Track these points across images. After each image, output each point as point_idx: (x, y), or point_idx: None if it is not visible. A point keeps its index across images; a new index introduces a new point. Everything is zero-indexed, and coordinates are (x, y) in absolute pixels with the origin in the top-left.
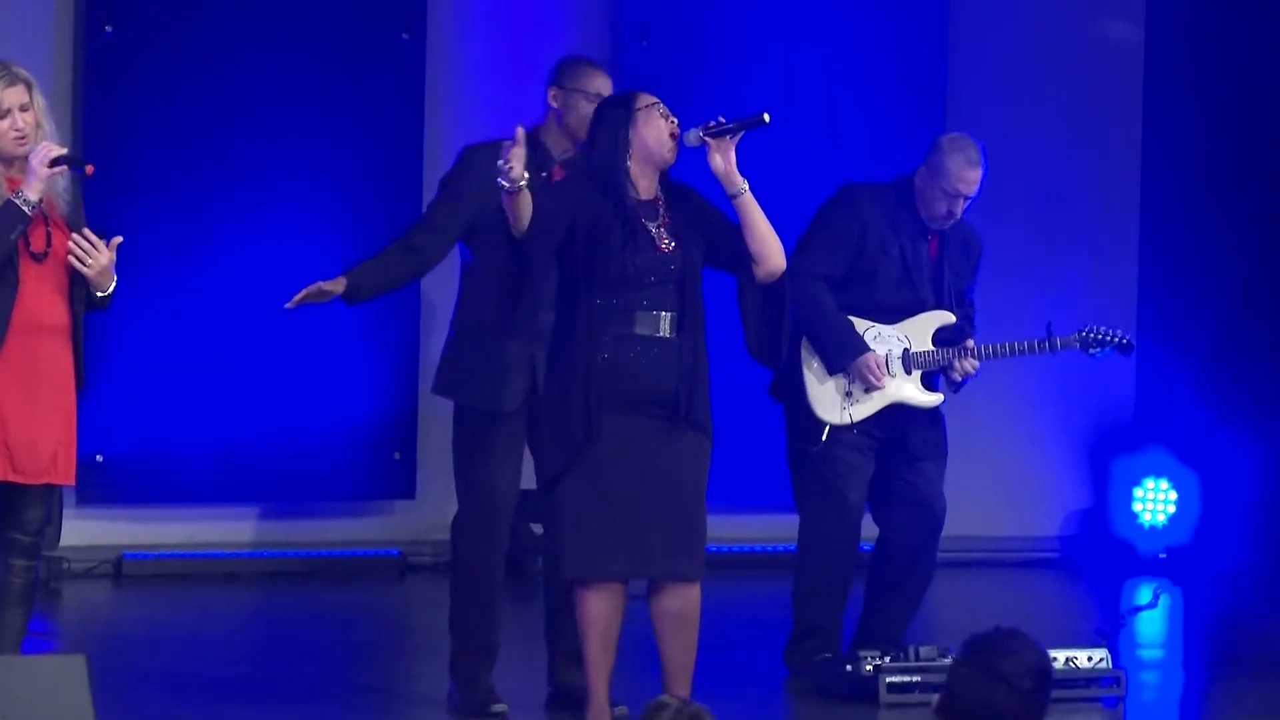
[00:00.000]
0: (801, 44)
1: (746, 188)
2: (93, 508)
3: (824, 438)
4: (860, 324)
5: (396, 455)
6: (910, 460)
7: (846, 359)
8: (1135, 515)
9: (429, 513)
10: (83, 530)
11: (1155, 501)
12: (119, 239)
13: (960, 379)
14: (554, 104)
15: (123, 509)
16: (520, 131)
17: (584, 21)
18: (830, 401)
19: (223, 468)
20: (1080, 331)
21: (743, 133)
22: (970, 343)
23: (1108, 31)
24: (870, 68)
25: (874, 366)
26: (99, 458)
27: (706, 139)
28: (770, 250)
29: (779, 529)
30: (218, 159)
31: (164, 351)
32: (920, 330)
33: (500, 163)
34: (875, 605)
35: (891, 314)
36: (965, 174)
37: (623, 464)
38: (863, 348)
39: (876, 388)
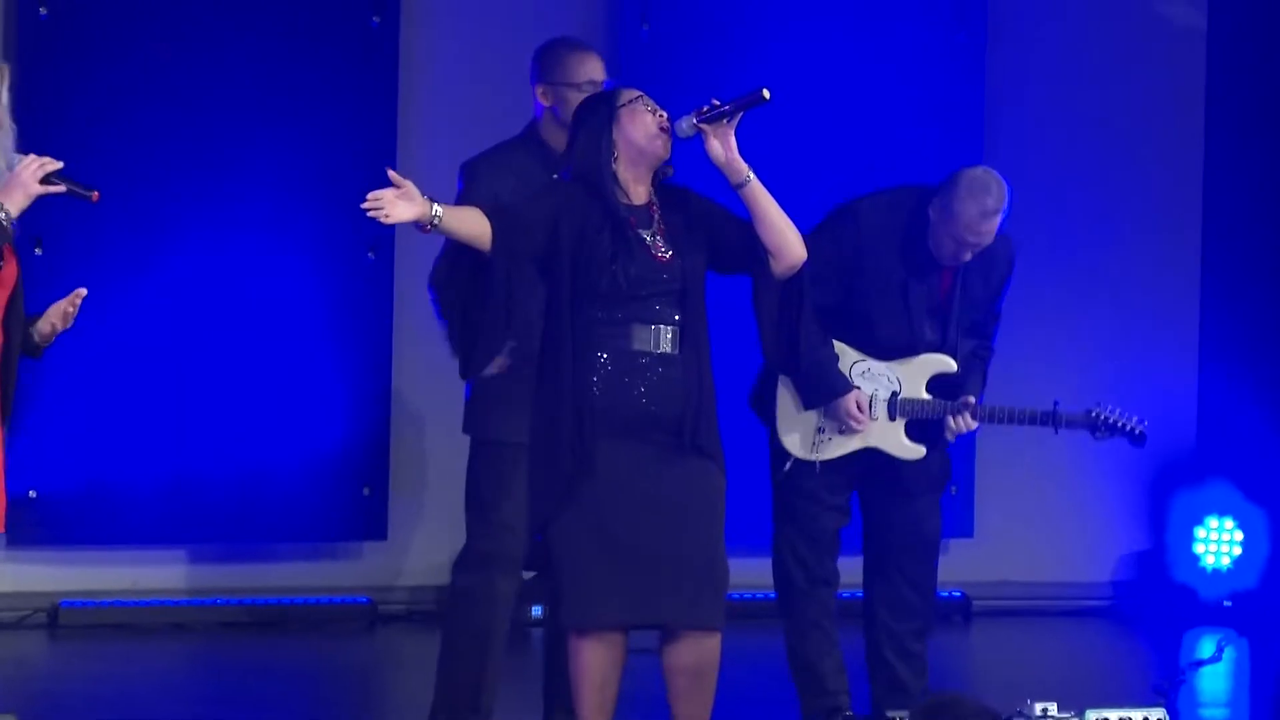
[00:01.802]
0: (820, 29)
1: (752, 175)
2: (26, 550)
3: (786, 469)
4: (849, 354)
5: (366, 491)
6: (904, 496)
7: (823, 399)
8: (1197, 558)
9: (402, 556)
10: (14, 575)
11: (1219, 542)
12: (83, 291)
13: (953, 439)
14: (544, 101)
15: (59, 551)
16: (394, 174)
17: (577, 3)
18: (799, 435)
19: (171, 505)
20: (1089, 412)
21: (741, 114)
22: (970, 400)
23: (1167, 16)
24: (898, 55)
25: (854, 410)
26: (32, 494)
27: (701, 125)
28: (787, 240)
29: None
30: (167, 157)
31: (105, 375)
32: (915, 374)
33: (365, 208)
34: (879, 654)
35: (886, 350)
36: (978, 226)
37: (622, 497)
38: (844, 387)
39: (855, 431)
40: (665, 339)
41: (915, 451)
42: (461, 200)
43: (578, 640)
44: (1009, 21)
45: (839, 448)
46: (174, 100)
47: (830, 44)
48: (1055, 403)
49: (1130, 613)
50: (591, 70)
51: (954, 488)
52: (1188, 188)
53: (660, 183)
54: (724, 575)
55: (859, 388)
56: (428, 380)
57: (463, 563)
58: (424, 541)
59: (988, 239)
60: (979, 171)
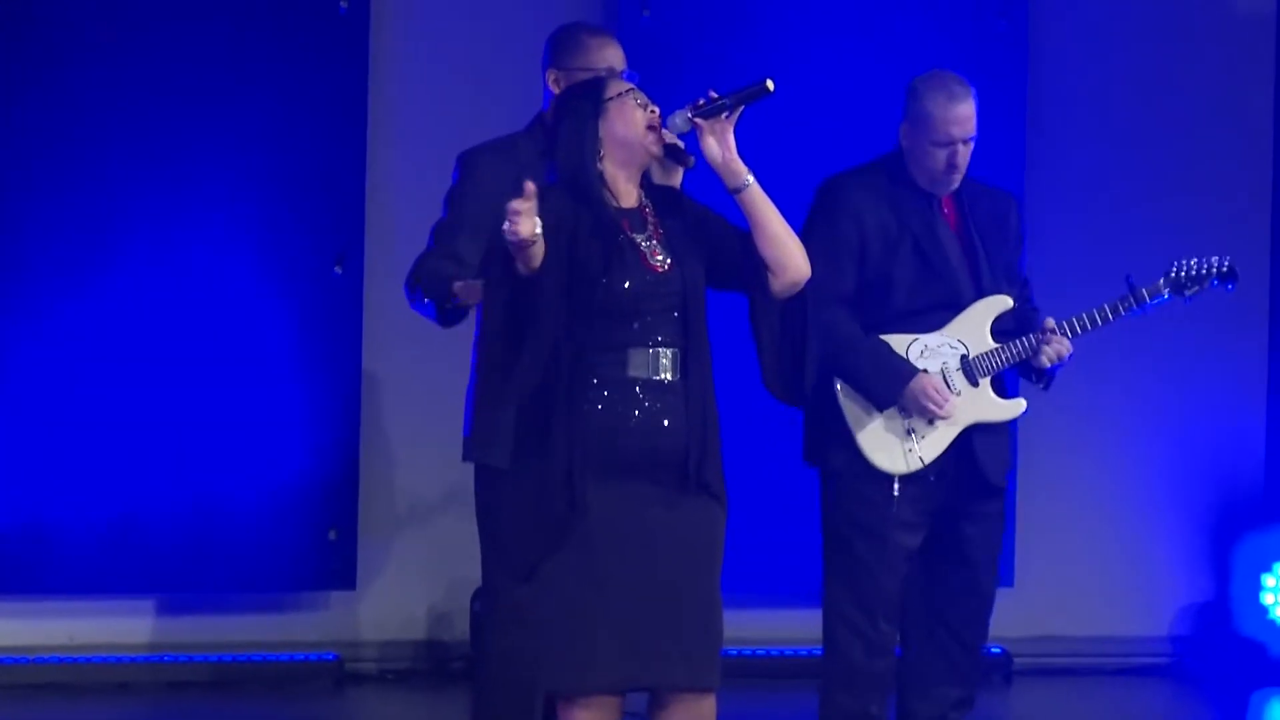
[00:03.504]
0: (840, 14)
1: (752, 179)
2: None
3: (896, 493)
4: (899, 340)
5: (332, 534)
6: (967, 516)
7: (895, 390)
8: (1265, 609)
9: (372, 607)
10: None
11: None
12: None
13: (1051, 365)
14: (555, 89)
15: None
16: (531, 186)
17: None
18: (890, 447)
19: (113, 550)
20: (1168, 274)
21: (742, 108)
22: (1050, 321)
23: (1231, 1)
24: (929, 45)
25: (931, 391)
26: None
27: (697, 120)
28: (789, 255)
29: (808, 627)
30: (111, 156)
31: (39, 402)
32: (974, 327)
33: (507, 228)
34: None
35: (931, 317)
36: (951, 113)
37: (615, 544)
38: (910, 370)
39: (940, 416)
40: (665, 364)
41: (1015, 407)
42: (455, 193)
43: (567, 707)
44: (1054, 6)
45: (940, 440)
46: (118, 93)
47: (852, 32)
48: (1128, 278)
49: (1191, 671)
50: (611, 57)
51: None
52: (1256, 194)
53: (650, 184)
54: (719, 629)
55: (925, 370)
56: (401, 409)
57: (497, 621)
58: (397, 591)
59: (970, 127)
60: (928, 72)
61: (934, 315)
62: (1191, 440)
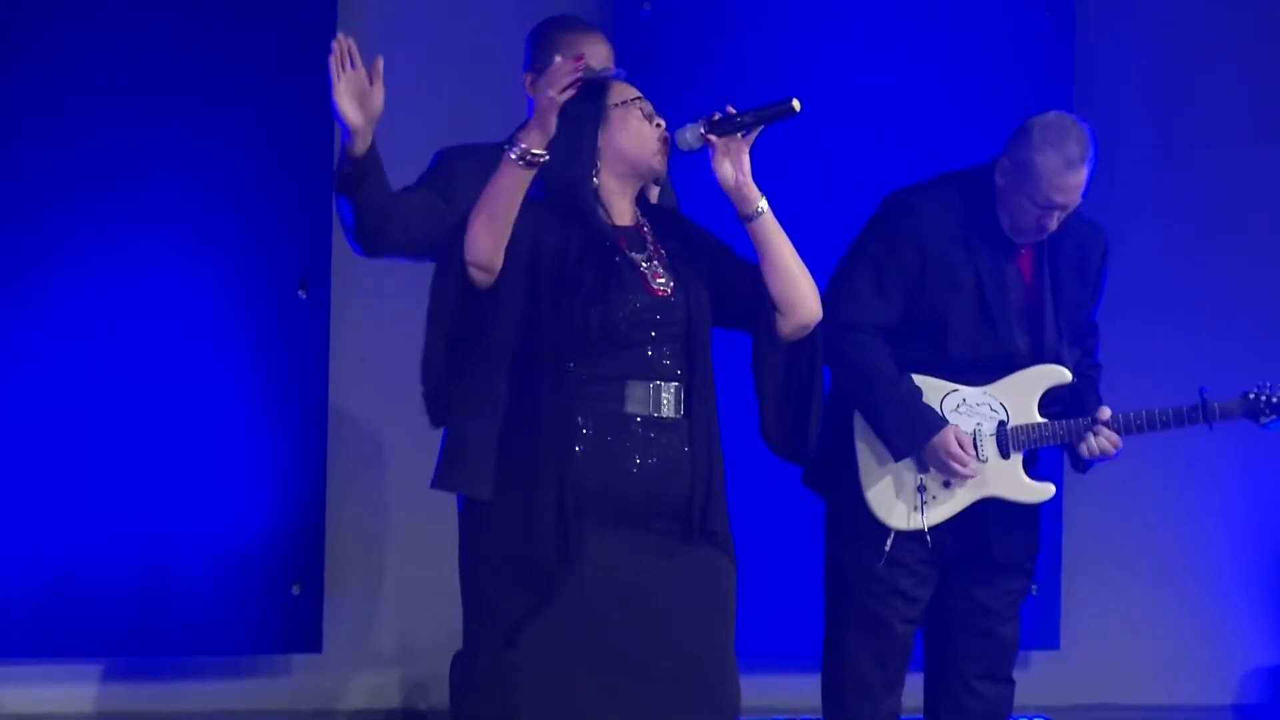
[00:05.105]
0: (864, 10)
1: (766, 206)
2: None
3: (888, 548)
4: (936, 386)
5: (295, 589)
6: (984, 578)
7: (917, 442)
8: None
9: (341, 672)
10: None
11: None
12: None
13: (1091, 458)
14: (533, 93)
15: None
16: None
17: None
18: (896, 500)
19: (52, 609)
20: (1246, 395)
21: (762, 128)
22: (1105, 411)
23: None
24: (965, 43)
25: (956, 450)
26: None
27: (710, 137)
28: (801, 293)
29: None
30: (47, 168)
31: None
32: (1022, 394)
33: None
34: None
35: (978, 372)
36: (1061, 180)
37: (613, 600)
38: (937, 423)
39: (963, 475)
40: (666, 400)
41: (1042, 491)
42: (421, 181)
43: None
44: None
45: (950, 505)
46: (64, 90)
47: (877, 29)
48: (1202, 391)
49: None
50: (591, 52)
51: (1035, 587)
52: None
53: (645, 201)
54: (735, 696)
55: (954, 425)
56: (372, 447)
57: (474, 685)
58: (368, 653)
59: (1075, 197)
60: (1052, 116)
61: (982, 371)
62: (1256, 489)
